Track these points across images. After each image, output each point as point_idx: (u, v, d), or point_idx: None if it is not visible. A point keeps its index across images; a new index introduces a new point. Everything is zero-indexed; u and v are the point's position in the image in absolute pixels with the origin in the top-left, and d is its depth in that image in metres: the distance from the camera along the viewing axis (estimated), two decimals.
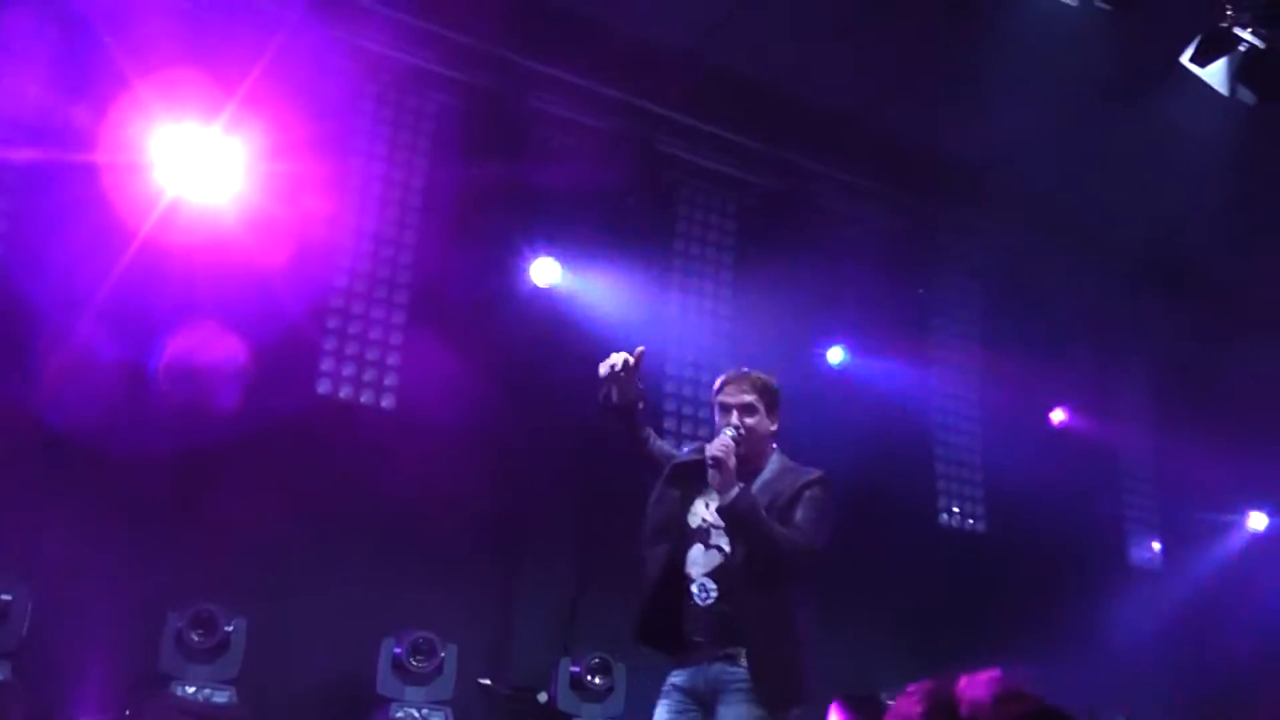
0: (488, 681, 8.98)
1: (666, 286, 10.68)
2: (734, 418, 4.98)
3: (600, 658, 9.04)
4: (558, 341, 9.72)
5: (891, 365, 11.42)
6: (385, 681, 8.35)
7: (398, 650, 8.42)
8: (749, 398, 5.03)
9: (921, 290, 11.82)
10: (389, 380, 9.34)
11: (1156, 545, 13.46)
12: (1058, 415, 12.75)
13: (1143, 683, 11.85)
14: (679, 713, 4.91)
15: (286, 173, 8.63)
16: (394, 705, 8.27)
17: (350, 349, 9.28)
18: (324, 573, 8.88)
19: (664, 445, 5.33)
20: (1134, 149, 9.88)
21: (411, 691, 8.36)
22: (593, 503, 9.97)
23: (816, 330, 11.29)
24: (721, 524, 4.85)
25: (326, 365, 9.20)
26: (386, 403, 9.33)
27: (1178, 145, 9.53)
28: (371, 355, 9.33)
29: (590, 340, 9.71)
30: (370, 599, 8.90)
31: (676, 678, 4.96)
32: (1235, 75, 8.48)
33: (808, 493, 4.93)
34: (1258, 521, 13.90)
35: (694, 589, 4.89)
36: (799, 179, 10.97)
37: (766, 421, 5.09)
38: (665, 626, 5.01)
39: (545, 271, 9.92)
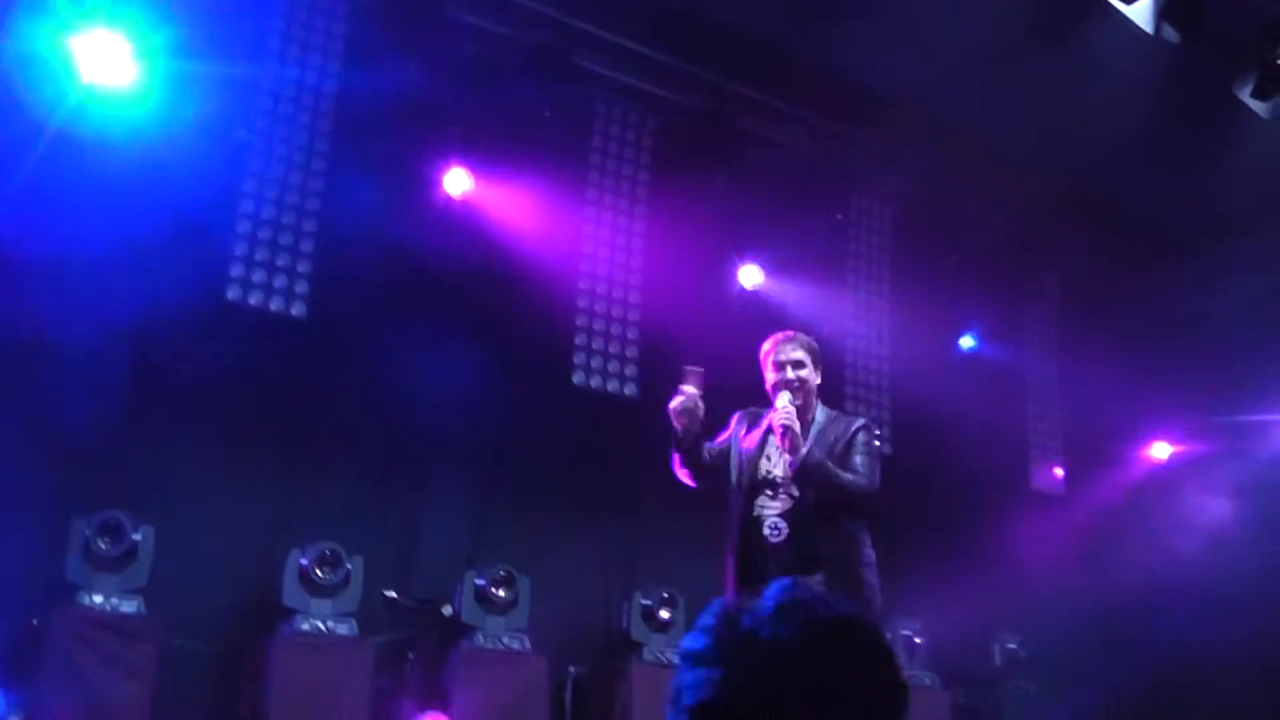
0: (393, 594, 9.15)
1: (581, 202, 10.70)
2: (789, 373, 5.79)
3: (504, 570, 9.21)
4: (469, 253, 9.85)
5: (805, 288, 11.61)
6: (291, 593, 8.45)
7: (304, 561, 8.50)
8: (799, 353, 5.88)
9: (839, 215, 11.99)
10: (300, 289, 9.24)
11: (1059, 471, 13.88)
12: (966, 341, 13.08)
13: (1038, 607, 12.29)
14: None
15: (197, 73, 8.57)
16: (299, 617, 8.38)
17: (260, 255, 9.16)
18: (233, 482, 8.97)
19: (710, 446, 6.02)
20: (1054, 82, 10.06)
21: (317, 603, 8.47)
22: (499, 416, 10.17)
23: (731, 251, 11.42)
24: (789, 476, 5.67)
25: (236, 271, 9.08)
26: (297, 311, 9.21)
27: (1097, 79, 9.75)
28: (282, 262, 9.21)
29: (501, 252, 9.93)
30: (279, 509, 9.01)
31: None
32: (1160, 13, 8.76)
33: (860, 437, 5.81)
34: (1160, 450, 14.40)
35: (766, 529, 5.67)
36: (718, 100, 11.01)
37: (815, 375, 5.95)
38: (743, 563, 5.75)
39: (457, 182, 9.98)
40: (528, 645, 9.19)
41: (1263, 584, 12.63)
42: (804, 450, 5.62)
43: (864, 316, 12.22)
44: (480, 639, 9.03)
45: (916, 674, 10.73)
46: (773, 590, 1.93)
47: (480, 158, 10.02)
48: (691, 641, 1.93)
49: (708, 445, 5.99)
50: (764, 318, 11.19)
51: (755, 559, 5.67)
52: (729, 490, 5.91)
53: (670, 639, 9.90)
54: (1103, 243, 13.68)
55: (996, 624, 12.05)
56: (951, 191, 12.48)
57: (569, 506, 10.45)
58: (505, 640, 9.10)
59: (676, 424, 5.79)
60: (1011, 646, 12.04)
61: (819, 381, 6.01)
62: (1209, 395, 13.47)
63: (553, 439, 10.32)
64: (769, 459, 5.84)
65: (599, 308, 10.67)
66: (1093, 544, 13.23)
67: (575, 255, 10.61)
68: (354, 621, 8.57)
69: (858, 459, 5.76)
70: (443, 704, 8.66)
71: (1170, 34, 9.03)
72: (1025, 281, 13.43)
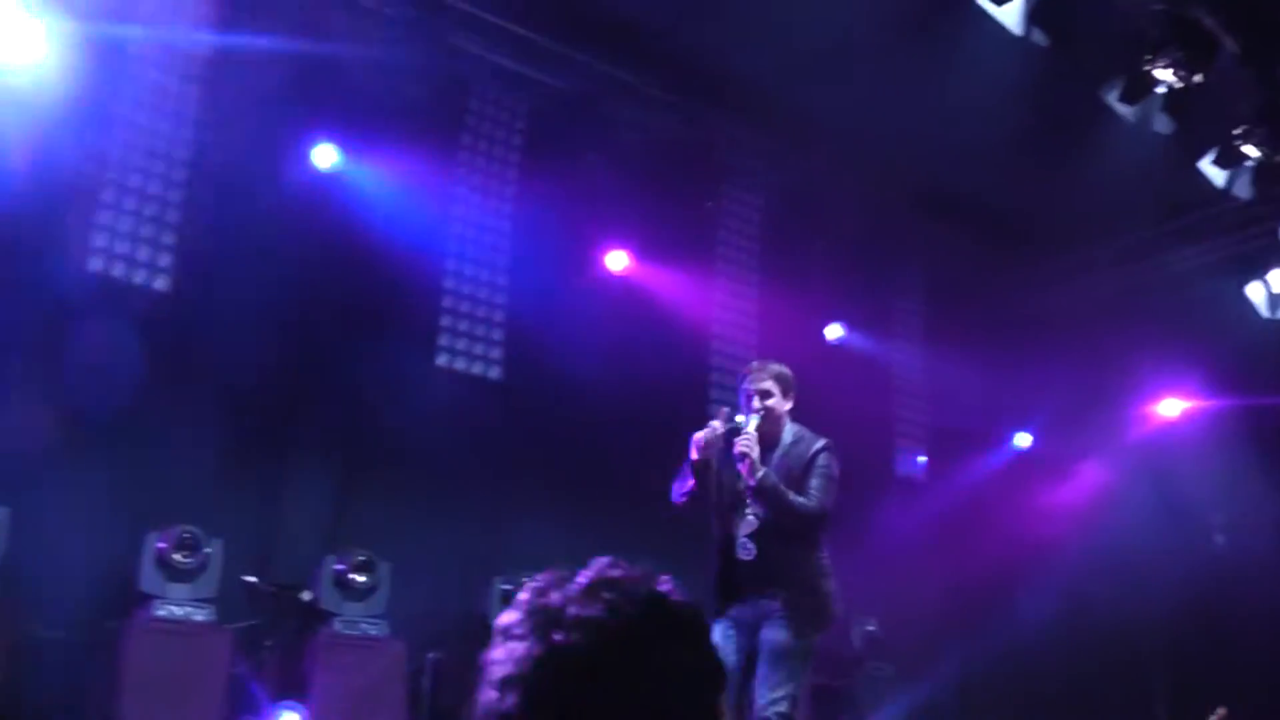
0: (253, 579, 9.06)
1: (451, 181, 10.75)
2: (756, 402, 6.31)
3: (364, 556, 9.24)
4: (335, 229, 9.90)
5: (673, 274, 11.82)
6: (148, 578, 8.39)
7: (161, 545, 8.44)
8: (766, 384, 6.38)
9: (709, 203, 12.16)
10: (163, 261, 9.21)
11: (922, 458, 14.30)
12: (834, 330, 13.38)
13: (897, 590, 12.68)
14: (727, 630, 6.20)
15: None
16: (156, 603, 8.33)
17: (124, 225, 9.08)
18: (90, 464, 8.78)
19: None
20: (923, 80, 10.27)
21: (175, 588, 8.43)
22: (361, 399, 10.18)
23: (600, 236, 11.56)
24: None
25: (99, 242, 9.00)
26: (161, 284, 9.18)
27: (967, 79, 9.99)
28: (146, 233, 9.16)
29: (368, 229, 9.93)
30: (135, 492, 8.87)
31: (730, 610, 6.25)
32: (1029, 16, 9.01)
33: (820, 460, 6.34)
34: (1022, 440, 14.91)
35: (738, 548, 6.23)
36: (592, 83, 11.09)
37: (783, 401, 6.45)
38: (722, 580, 6.34)
39: (325, 156, 9.99)
40: (386, 631, 9.23)
41: (1116, 568, 13.21)
42: (760, 474, 6.16)
43: (732, 304, 12.43)
44: (339, 626, 9.04)
45: None
46: (588, 568, 1.99)
47: (351, 133, 10.04)
48: (503, 617, 1.98)
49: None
50: (631, 303, 11.39)
51: (731, 576, 6.25)
52: (708, 509, 6.41)
53: None
54: (967, 239, 14.10)
55: (856, 607, 12.39)
56: (820, 183, 12.73)
57: (431, 490, 10.47)
58: (364, 626, 9.13)
59: (696, 453, 6.20)
60: (870, 629, 12.40)
61: (789, 406, 6.51)
62: (1068, 388, 13.96)
63: (416, 421, 10.20)
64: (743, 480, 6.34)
65: (465, 288, 10.73)
66: (952, 529, 13.64)
67: (443, 235, 10.67)
68: (212, 607, 8.54)
69: (813, 481, 6.30)
70: (300, 693, 8.65)
71: (1039, 37, 9.28)
72: (892, 273, 13.82)
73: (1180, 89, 9.47)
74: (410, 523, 10.24)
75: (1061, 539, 13.45)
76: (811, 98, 11.22)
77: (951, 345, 13.69)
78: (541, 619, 1.93)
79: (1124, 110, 9.58)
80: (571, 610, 1.92)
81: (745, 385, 6.41)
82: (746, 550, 6.19)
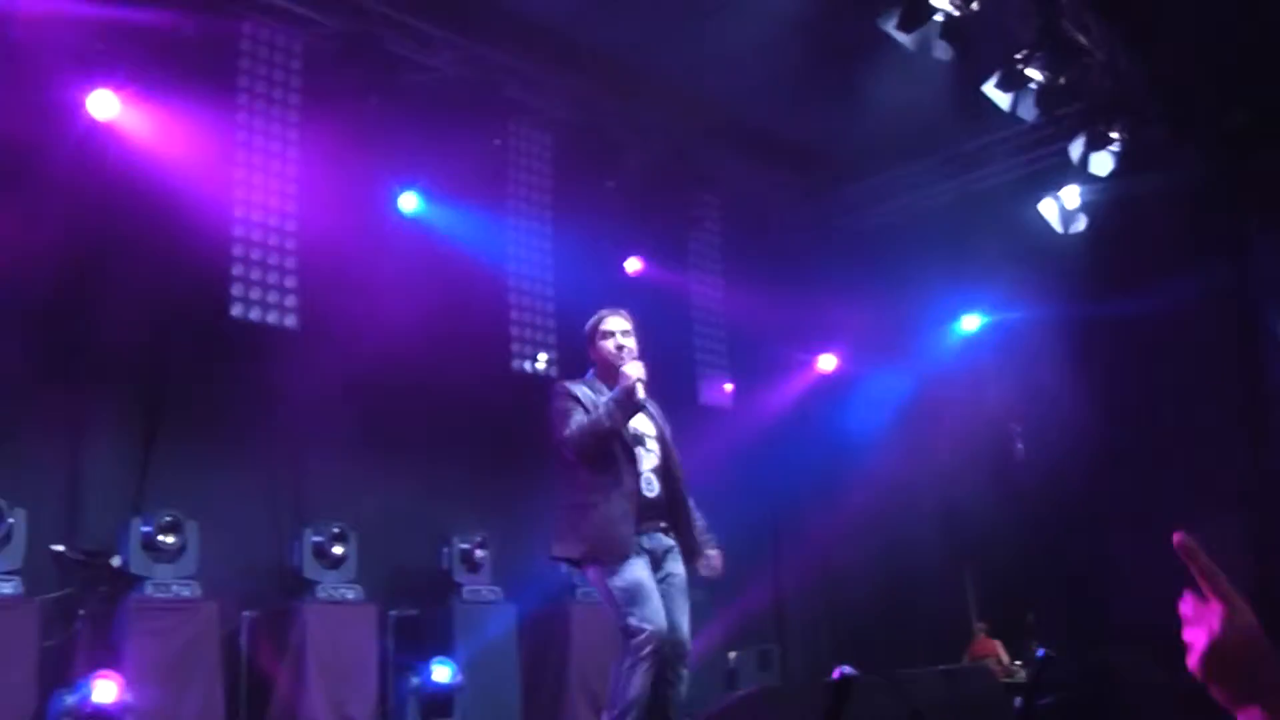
0: (60, 548, 9.31)
1: (232, 127, 10.72)
2: (631, 344, 6.74)
3: (171, 516, 9.41)
4: (117, 182, 9.94)
5: (466, 213, 12.20)
6: None
7: None
8: (628, 324, 6.89)
9: (497, 141, 12.47)
10: None
11: (729, 386, 14.96)
12: (631, 264, 13.99)
13: (710, 516, 13.22)
14: (645, 564, 6.53)
15: None
16: None
17: None
18: None
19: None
20: (706, 13, 10.82)
21: None
22: (158, 354, 10.39)
23: (388, 178, 11.84)
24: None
25: None
26: None
27: (750, 12, 10.49)
28: None
29: (150, 181, 9.97)
30: None
31: (641, 542, 6.55)
32: None
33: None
34: (827, 362, 15.73)
35: (642, 484, 6.59)
36: (369, 22, 11.23)
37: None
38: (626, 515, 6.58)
39: (103, 105, 9.96)
40: (199, 592, 9.47)
41: (920, 482, 14.12)
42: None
43: (527, 242, 12.83)
44: (150, 589, 9.25)
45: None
46: None
47: (125, 80, 10.07)
48: None
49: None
50: (424, 243, 11.72)
51: (628, 514, 6.46)
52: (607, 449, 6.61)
53: (343, 574, 10.43)
54: (762, 170, 14.83)
55: None
56: (609, 118, 13.19)
57: (234, 444, 10.75)
58: (175, 588, 9.34)
59: (627, 413, 6.52)
60: None
61: None
62: (872, 309, 14.81)
63: (213, 375, 10.49)
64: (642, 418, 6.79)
65: (255, 236, 10.77)
66: (759, 453, 14.36)
67: (228, 182, 10.68)
68: (19, 579, 8.66)
69: None
70: (115, 661, 8.82)
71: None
72: (687, 206, 14.40)
73: (957, 16, 10.15)
74: (216, 480, 10.47)
75: (867, 460, 14.34)
76: (594, 31, 11.72)
77: (753, 274, 14.44)
78: None
79: (903, 38, 10.16)
80: None
81: (610, 327, 6.85)
82: (650, 485, 6.59)
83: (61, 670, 8.82)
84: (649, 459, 6.66)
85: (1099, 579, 12.86)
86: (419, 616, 11.19)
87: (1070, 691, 6.57)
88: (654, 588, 6.38)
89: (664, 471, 6.71)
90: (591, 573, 6.55)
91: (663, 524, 6.63)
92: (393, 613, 10.96)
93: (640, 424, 6.74)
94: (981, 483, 13.92)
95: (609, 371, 6.71)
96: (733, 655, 13.63)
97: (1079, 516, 13.35)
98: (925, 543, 14.26)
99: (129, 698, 8.53)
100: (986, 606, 13.98)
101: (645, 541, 6.49)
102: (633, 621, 6.27)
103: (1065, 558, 13.29)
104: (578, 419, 6.52)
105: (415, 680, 10.52)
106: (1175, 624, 1.93)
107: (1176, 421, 12.97)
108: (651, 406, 6.88)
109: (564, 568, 8.87)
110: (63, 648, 9.00)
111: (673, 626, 6.43)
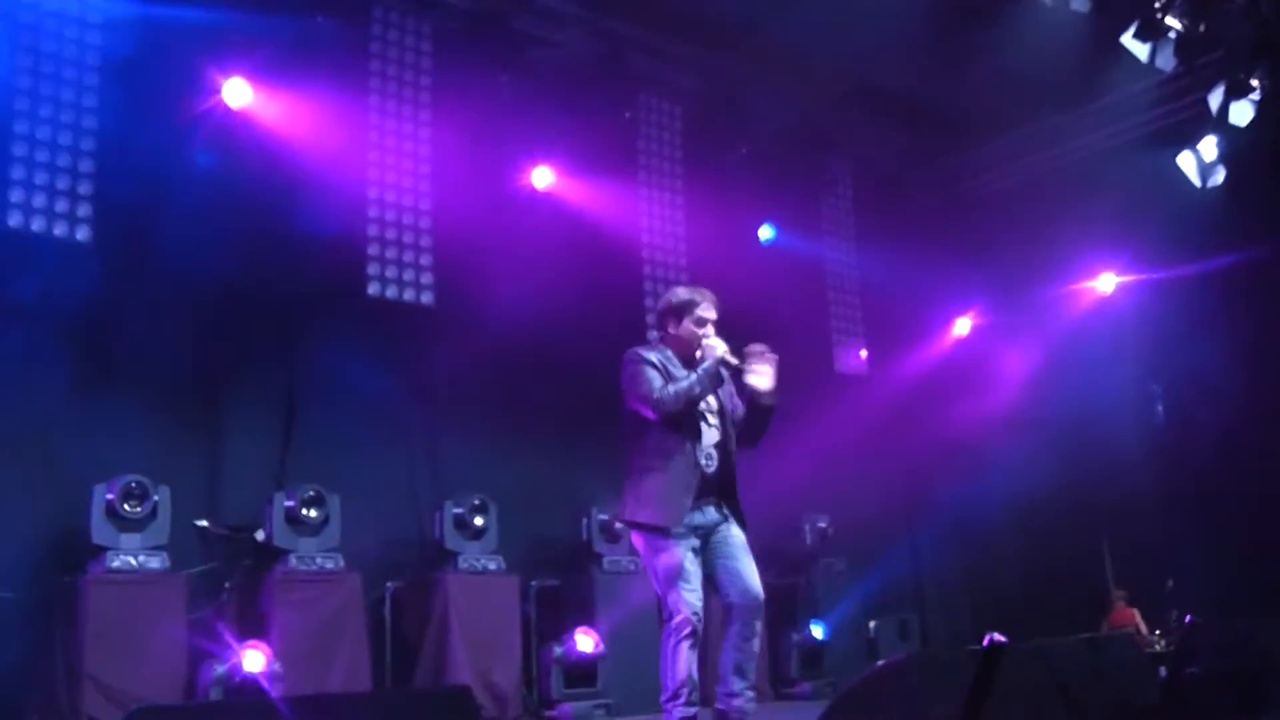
0: (204, 523, 9.57)
1: (364, 110, 10.98)
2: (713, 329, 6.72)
3: (314, 490, 9.64)
4: (254, 167, 10.19)
5: (597, 188, 12.26)
6: (99, 529, 8.74)
7: (109, 496, 8.77)
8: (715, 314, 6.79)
9: (627, 114, 12.59)
10: (82, 211, 9.43)
11: (864, 353, 14.95)
12: (765, 232, 14.01)
13: (846, 486, 13.38)
14: (691, 542, 6.52)
15: None
16: (110, 554, 8.67)
17: (40, 178, 9.34)
18: (27, 419, 9.02)
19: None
20: None
21: (127, 538, 8.78)
22: (297, 332, 10.54)
23: (519, 154, 11.93)
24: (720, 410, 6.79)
25: (15, 196, 9.22)
26: (82, 235, 9.43)
27: None
28: (62, 184, 9.38)
29: (286, 165, 10.22)
30: (76, 444, 9.12)
31: (691, 518, 6.55)
32: None
33: None
34: (961, 326, 15.62)
35: (702, 459, 6.57)
36: (496, 1, 11.44)
37: None
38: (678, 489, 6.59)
39: (237, 93, 10.20)
40: (342, 564, 9.70)
41: (1057, 448, 13.93)
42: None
43: (659, 214, 12.94)
44: (294, 562, 9.50)
45: None
46: None
47: (258, 69, 10.30)
48: None
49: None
50: (557, 218, 11.84)
51: (690, 486, 6.47)
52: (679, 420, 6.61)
53: (484, 545, 10.60)
54: (892, 133, 14.76)
55: (807, 505, 13.09)
56: (738, 87, 13.23)
57: (373, 419, 10.90)
58: (319, 561, 9.58)
59: (715, 385, 6.57)
60: (822, 525, 13.20)
61: None
62: (1004, 271, 14.67)
63: (352, 352, 10.54)
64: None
65: (390, 216, 11.03)
66: (895, 420, 14.33)
67: (362, 164, 10.95)
68: (165, 554, 8.92)
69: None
70: (262, 632, 9.12)
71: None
72: (818, 173, 14.45)
73: None
74: (356, 454, 10.67)
75: (1007, 418, 14.21)
76: (721, 2, 11.74)
77: (884, 238, 14.39)
78: None
79: None
80: None
81: (700, 313, 6.76)
82: (710, 461, 6.57)
83: (210, 642, 9.03)
84: (710, 434, 6.65)
85: (1239, 546, 12.57)
86: (560, 586, 11.35)
87: (1217, 660, 6.46)
88: (696, 571, 6.42)
89: (723, 448, 6.71)
90: (641, 543, 6.59)
91: (715, 499, 6.63)
92: (534, 583, 11.14)
93: (708, 399, 6.75)
94: (1121, 446, 13.73)
95: (686, 348, 6.73)
96: (873, 624, 13.66)
97: (1219, 482, 13.08)
98: (1064, 510, 14.06)
99: (277, 667, 8.80)
100: (1125, 574, 13.79)
101: (697, 517, 6.52)
102: (671, 602, 6.34)
103: (1206, 525, 13.04)
104: (659, 383, 6.55)
105: (558, 650, 10.68)
106: None
107: None
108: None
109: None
110: (210, 620, 9.22)
111: (743, 587, 6.49)
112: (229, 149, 10.23)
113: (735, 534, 6.61)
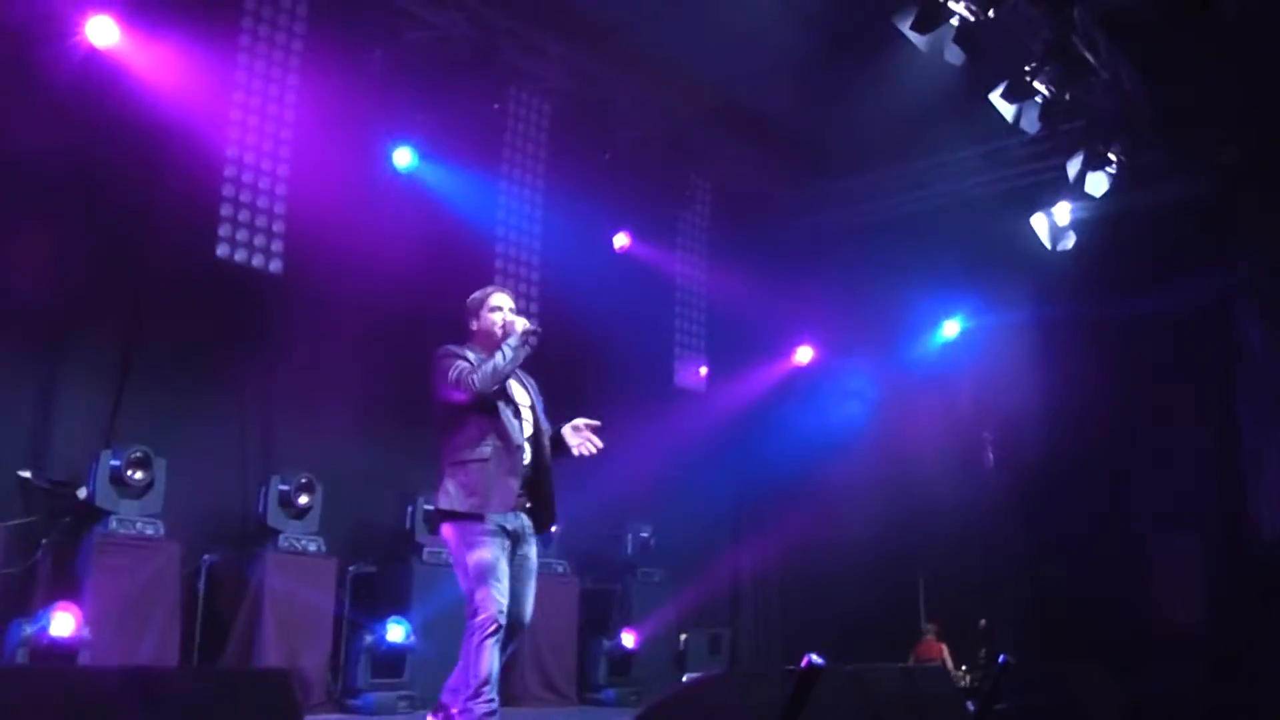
0: (27, 474, 9.31)
1: (232, 66, 10.78)
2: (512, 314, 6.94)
3: (141, 451, 9.40)
4: (110, 111, 9.89)
5: (459, 173, 12.27)
6: None
7: None
8: (514, 304, 7.06)
9: (496, 105, 12.59)
10: None
11: (704, 370, 15.14)
12: (619, 240, 14.10)
13: (672, 499, 13.58)
14: (503, 542, 6.63)
15: None
16: None
17: None
18: None
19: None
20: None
21: None
22: (138, 287, 10.32)
23: (384, 132, 11.89)
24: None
25: None
26: None
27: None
28: None
29: (144, 112, 9.90)
30: None
31: (502, 519, 6.64)
32: None
33: None
34: (803, 355, 15.91)
35: (515, 452, 6.70)
36: None
37: None
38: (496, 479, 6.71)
39: (103, 32, 9.85)
40: (162, 531, 9.49)
41: (884, 482, 14.31)
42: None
43: (517, 208, 13.00)
44: (114, 524, 9.26)
45: (550, 561, 11.80)
46: None
47: (127, 10, 9.99)
48: None
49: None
50: (415, 201, 11.81)
51: (514, 470, 6.64)
52: (474, 409, 6.71)
53: (306, 526, 10.49)
54: (757, 156, 15.00)
55: (632, 513, 13.25)
56: (610, 91, 13.34)
57: (209, 385, 10.73)
58: (140, 526, 9.36)
59: (519, 355, 6.66)
60: (644, 535, 13.39)
61: None
62: (852, 305, 14.98)
63: (194, 314, 10.48)
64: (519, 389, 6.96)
65: (246, 178, 10.81)
66: (729, 439, 14.57)
67: (224, 122, 10.71)
68: None
69: None
70: (75, 594, 8.88)
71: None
72: (679, 186, 14.58)
73: (972, 22, 10.32)
74: (189, 419, 10.46)
75: (839, 451, 14.53)
76: (601, 6, 11.89)
77: (738, 259, 14.63)
78: None
79: (917, 39, 10.30)
80: None
81: (492, 303, 7.00)
82: (524, 452, 6.72)
83: (21, 599, 8.86)
84: (525, 427, 6.80)
85: (1056, 591, 13.06)
86: (377, 574, 11.27)
87: (1026, 698, 6.71)
88: (506, 570, 6.51)
89: (536, 441, 6.85)
90: (453, 536, 6.63)
91: (527, 503, 6.75)
92: (351, 568, 11.02)
93: (517, 394, 6.90)
94: (947, 487, 14.12)
95: (490, 341, 6.82)
96: (684, 637, 13.85)
97: (1041, 528, 13.58)
98: (884, 543, 14.44)
99: (86, 632, 8.60)
100: (939, 611, 14.18)
101: (510, 521, 6.61)
102: (479, 598, 6.40)
103: (1024, 568, 13.52)
104: (468, 366, 6.66)
105: (369, 638, 10.63)
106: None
107: (1149, 437, 13.20)
108: (527, 379, 7.06)
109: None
110: (23, 576, 9.01)
111: (518, 608, 6.61)
112: (85, 89, 9.88)
113: (531, 555, 6.75)
